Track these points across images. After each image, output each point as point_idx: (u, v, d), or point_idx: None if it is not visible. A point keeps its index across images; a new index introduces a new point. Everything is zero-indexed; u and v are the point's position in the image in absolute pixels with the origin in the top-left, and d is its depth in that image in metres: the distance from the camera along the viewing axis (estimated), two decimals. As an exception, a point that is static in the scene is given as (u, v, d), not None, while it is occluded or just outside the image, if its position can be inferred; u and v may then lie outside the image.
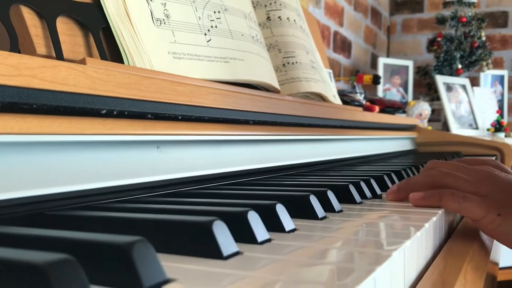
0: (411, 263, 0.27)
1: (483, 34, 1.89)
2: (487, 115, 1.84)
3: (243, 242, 0.25)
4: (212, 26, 0.51)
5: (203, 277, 0.19)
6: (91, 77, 0.32)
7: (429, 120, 1.73)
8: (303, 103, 0.65)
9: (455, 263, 0.31)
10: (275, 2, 0.69)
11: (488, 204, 0.35)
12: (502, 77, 2.09)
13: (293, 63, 0.68)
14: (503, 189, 0.36)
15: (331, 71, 0.94)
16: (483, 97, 1.89)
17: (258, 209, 0.28)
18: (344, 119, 0.79)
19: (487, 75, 2.02)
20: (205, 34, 0.50)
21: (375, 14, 2.16)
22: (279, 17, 0.69)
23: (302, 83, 0.68)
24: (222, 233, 0.23)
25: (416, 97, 1.91)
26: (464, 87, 1.83)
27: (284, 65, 0.67)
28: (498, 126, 1.73)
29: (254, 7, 0.66)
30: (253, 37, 0.58)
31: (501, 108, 2.04)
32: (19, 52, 0.35)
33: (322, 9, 1.54)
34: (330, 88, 0.81)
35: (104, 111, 0.33)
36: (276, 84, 0.61)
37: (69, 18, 0.39)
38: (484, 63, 1.86)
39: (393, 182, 0.52)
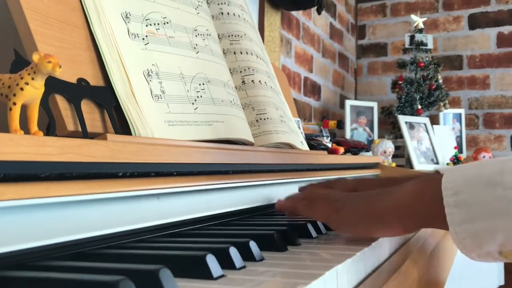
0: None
1: (439, 77, 2.08)
2: (446, 150, 2.01)
3: (225, 269, 0.36)
4: (198, 96, 0.64)
5: (202, 290, 0.31)
6: (111, 150, 0.44)
7: (394, 156, 1.88)
8: (273, 152, 0.77)
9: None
10: (248, 68, 0.83)
11: (329, 207, 0.50)
12: (460, 115, 2.28)
13: (264, 119, 0.81)
14: (341, 196, 0.51)
15: (299, 119, 1.07)
16: (443, 134, 2.06)
17: (236, 245, 0.39)
18: (310, 163, 0.91)
19: (446, 113, 2.20)
20: (193, 104, 0.63)
21: (343, 59, 2.34)
22: (252, 80, 0.82)
23: (272, 135, 0.81)
24: (212, 262, 0.34)
25: (381, 135, 2.07)
26: (425, 125, 2.00)
27: (257, 120, 0.80)
28: (456, 161, 1.89)
29: (231, 73, 0.79)
30: (231, 101, 0.71)
31: (459, 143, 2.21)
32: (55, 131, 0.46)
33: (292, 58, 1.70)
34: (297, 136, 0.94)
35: (120, 174, 0.45)
36: (250, 138, 0.73)
37: (89, 100, 0.51)
38: (442, 104, 2.04)
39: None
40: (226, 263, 0.37)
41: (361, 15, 2.60)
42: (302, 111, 1.80)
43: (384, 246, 0.51)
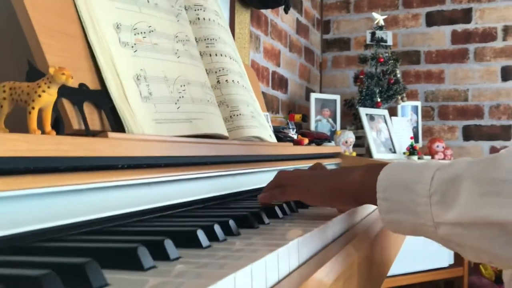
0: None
1: (398, 71, 2.22)
2: (403, 140, 2.16)
3: (211, 241, 0.46)
4: (180, 97, 0.73)
5: (199, 255, 0.41)
6: (112, 146, 0.53)
7: (355, 146, 2.01)
8: (245, 145, 0.87)
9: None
10: (223, 69, 0.92)
11: (300, 187, 0.60)
12: (416, 107, 2.44)
13: (237, 115, 0.90)
14: (309, 177, 0.62)
15: (268, 113, 1.18)
16: (400, 125, 2.21)
17: (220, 223, 0.49)
18: (277, 154, 1.02)
19: (404, 106, 2.36)
20: (176, 103, 0.72)
21: (308, 53, 2.46)
22: (226, 80, 0.91)
23: (244, 130, 0.91)
24: (201, 236, 0.44)
25: (343, 126, 2.20)
26: (384, 117, 2.15)
27: (231, 116, 0.90)
28: (412, 150, 2.04)
29: (207, 73, 0.88)
30: (208, 100, 0.80)
31: (416, 134, 2.38)
32: (64, 129, 0.55)
33: (261, 53, 1.80)
34: (266, 130, 1.04)
35: (120, 166, 0.54)
36: (225, 133, 0.83)
37: (89, 102, 0.59)
38: (399, 97, 2.19)
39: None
40: (212, 236, 0.46)
41: (326, 10, 2.72)
42: (270, 104, 1.90)
43: (334, 226, 0.62)
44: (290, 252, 0.45)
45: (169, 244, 0.39)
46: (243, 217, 0.55)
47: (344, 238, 0.63)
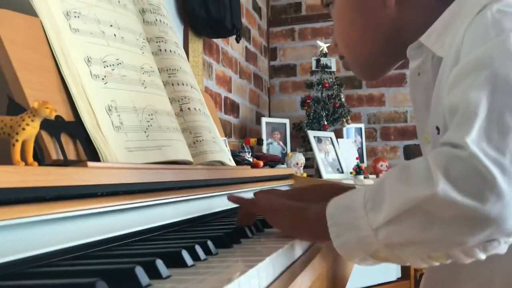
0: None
1: (342, 96, 2.35)
2: (349, 161, 2.27)
3: (194, 260, 0.49)
4: (149, 125, 0.76)
5: (187, 273, 0.44)
6: (93, 174, 0.55)
7: (305, 167, 2.09)
8: (209, 169, 0.91)
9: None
10: (185, 97, 0.96)
11: (269, 205, 0.67)
12: (360, 129, 2.58)
13: (200, 141, 0.94)
14: (281, 203, 0.67)
15: (226, 138, 1.22)
16: (346, 147, 2.33)
17: (187, 249, 0.52)
18: (237, 177, 1.06)
19: (349, 128, 2.49)
20: (145, 132, 0.75)
21: (257, 79, 2.54)
22: (188, 108, 0.95)
23: (207, 155, 0.95)
24: (186, 256, 0.47)
25: (293, 148, 2.29)
26: (330, 139, 2.26)
27: (194, 142, 0.94)
28: (358, 170, 2.15)
29: (170, 102, 0.92)
30: (174, 128, 0.84)
31: (361, 154, 2.51)
32: (44, 159, 0.57)
33: (214, 80, 1.85)
34: (226, 154, 1.08)
35: (99, 193, 0.56)
36: (190, 158, 0.87)
37: (66, 133, 0.62)
38: (345, 120, 2.31)
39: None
40: (194, 256, 0.50)
41: (273, 38, 2.84)
42: (223, 128, 1.95)
43: (301, 243, 0.67)
44: (267, 266, 0.49)
45: (160, 264, 0.43)
46: (218, 238, 0.59)
47: (310, 253, 0.68)
